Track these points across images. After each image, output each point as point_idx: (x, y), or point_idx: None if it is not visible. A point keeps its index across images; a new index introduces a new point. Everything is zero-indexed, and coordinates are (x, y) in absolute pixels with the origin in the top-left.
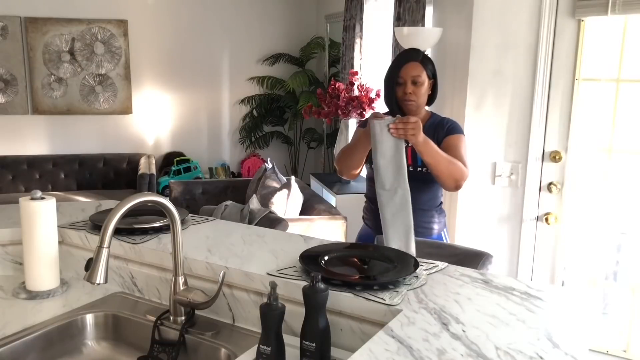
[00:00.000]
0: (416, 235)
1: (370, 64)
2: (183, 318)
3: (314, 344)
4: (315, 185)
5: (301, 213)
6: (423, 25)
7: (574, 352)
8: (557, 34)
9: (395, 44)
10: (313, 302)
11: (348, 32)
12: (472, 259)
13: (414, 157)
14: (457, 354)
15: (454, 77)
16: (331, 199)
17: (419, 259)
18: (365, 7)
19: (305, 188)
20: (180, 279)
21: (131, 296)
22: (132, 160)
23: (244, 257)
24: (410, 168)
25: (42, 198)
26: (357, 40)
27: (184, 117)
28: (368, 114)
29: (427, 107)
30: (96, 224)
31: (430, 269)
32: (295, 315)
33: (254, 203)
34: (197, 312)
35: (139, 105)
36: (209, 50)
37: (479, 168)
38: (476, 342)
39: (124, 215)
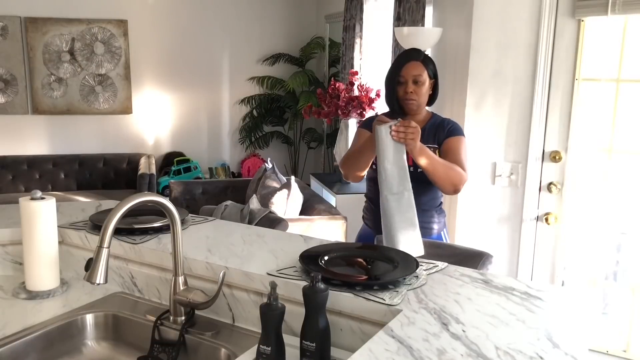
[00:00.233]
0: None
1: (370, 64)
2: (183, 318)
3: (314, 344)
4: (315, 185)
5: (301, 213)
6: (423, 25)
7: (574, 352)
8: (557, 34)
9: (395, 44)
10: (313, 302)
11: (348, 32)
12: (472, 259)
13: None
14: (457, 354)
15: (454, 77)
16: (331, 199)
17: (419, 259)
18: (365, 7)
19: (305, 188)
20: (180, 279)
21: (131, 296)
22: (132, 160)
23: (244, 257)
24: (411, 169)
25: (42, 198)
26: (357, 40)
27: (184, 117)
28: (368, 113)
29: (427, 107)
30: (96, 224)
31: (430, 269)
32: (295, 315)
33: (254, 203)
34: (197, 312)
35: (139, 105)
36: (209, 50)
37: (479, 168)
38: (476, 342)
39: (124, 215)
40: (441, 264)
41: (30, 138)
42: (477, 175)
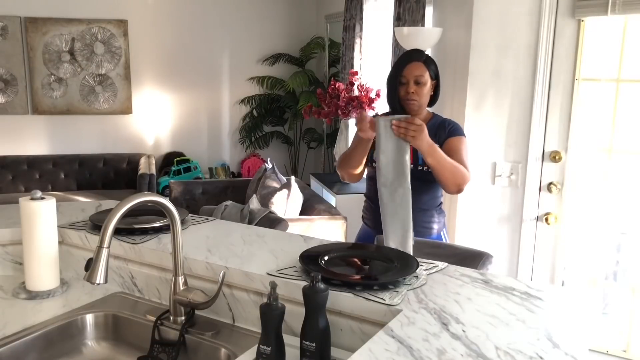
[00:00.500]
0: (416, 235)
1: (370, 64)
2: (183, 318)
3: (314, 344)
4: (315, 185)
5: (301, 213)
6: (423, 25)
7: (574, 352)
8: (557, 34)
9: (395, 44)
10: (313, 302)
11: (348, 32)
12: (472, 259)
13: (414, 156)
14: (457, 354)
15: (454, 77)
16: (331, 199)
17: (419, 259)
18: (365, 7)
19: (305, 188)
20: (180, 279)
21: (131, 296)
22: (132, 160)
23: (244, 257)
24: (411, 167)
25: (42, 198)
26: (357, 40)
27: (184, 117)
28: (368, 114)
29: (428, 108)
30: (96, 224)
31: (430, 269)
32: (295, 315)
33: (254, 203)
34: (197, 312)
35: (139, 105)
36: (209, 50)
37: (479, 168)
38: (476, 342)
39: (124, 215)
40: (441, 264)
41: (30, 138)
42: (477, 175)
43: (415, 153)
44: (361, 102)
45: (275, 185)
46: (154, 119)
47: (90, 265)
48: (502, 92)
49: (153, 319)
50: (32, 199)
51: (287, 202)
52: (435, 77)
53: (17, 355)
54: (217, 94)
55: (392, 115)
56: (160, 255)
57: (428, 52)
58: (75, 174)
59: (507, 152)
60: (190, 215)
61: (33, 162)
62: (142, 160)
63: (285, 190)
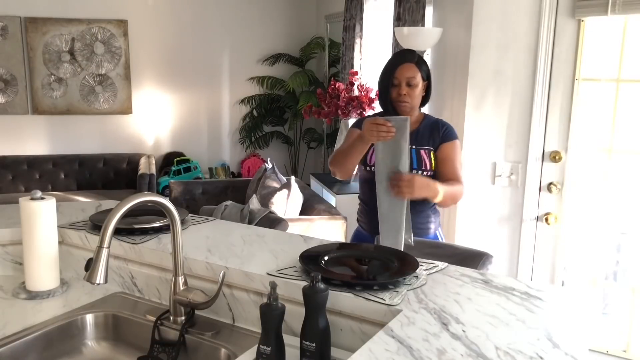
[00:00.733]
0: (414, 235)
1: (370, 64)
2: (183, 318)
3: (314, 344)
4: (315, 185)
5: (301, 213)
6: (423, 25)
7: (574, 352)
8: (557, 34)
9: (395, 44)
10: (313, 302)
11: (348, 32)
12: (472, 259)
13: (410, 159)
14: (457, 354)
15: (454, 77)
16: (331, 199)
17: (419, 259)
18: (365, 7)
19: (305, 188)
20: (180, 279)
21: (131, 296)
22: (132, 160)
23: (244, 257)
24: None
25: (42, 198)
26: (357, 40)
27: (184, 117)
28: (368, 113)
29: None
30: (96, 224)
31: (430, 269)
32: (295, 315)
33: (254, 203)
34: (197, 312)
35: (139, 105)
36: (209, 50)
37: (479, 168)
38: (476, 342)
39: (124, 215)
40: (441, 264)
41: (30, 138)
42: (477, 175)
43: (410, 156)
44: (361, 102)
45: (275, 185)
46: (154, 119)
47: (90, 265)
48: (502, 92)
49: (153, 319)
50: (32, 199)
51: (287, 202)
52: (427, 78)
53: (17, 355)
54: (217, 94)
55: (390, 117)
56: (160, 255)
57: (428, 52)
58: (75, 174)
59: (507, 152)
60: (190, 215)
61: (33, 162)
62: (142, 160)
63: (285, 190)
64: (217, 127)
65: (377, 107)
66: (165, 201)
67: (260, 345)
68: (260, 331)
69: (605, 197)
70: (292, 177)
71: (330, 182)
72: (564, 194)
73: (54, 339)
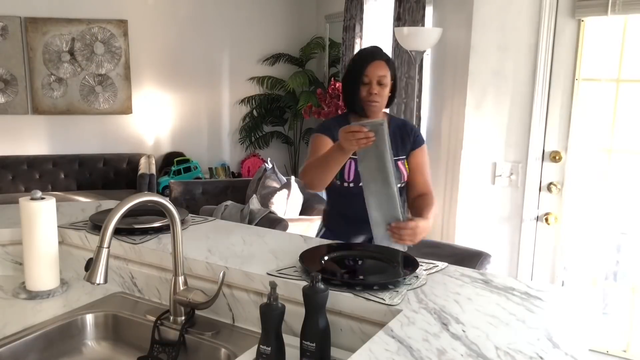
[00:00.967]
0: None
1: None
2: (183, 318)
3: (314, 344)
4: None
5: (301, 213)
6: (423, 25)
7: (574, 352)
8: (557, 34)
9: (395, 44)
10: (313, 302)
11: (348, 32)
12: (470, 258)
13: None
14: (457, 354)
15: (454, 77)
16: None
17: (419, 259)
18: (365, 7)
19: (305, 188)
20: (180, 279)
21: (131, 296)
22: (132, 160)
23: (244, 257)
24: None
25: (42, 198)
26: (357, 40)
27: (184, 117)
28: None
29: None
30: (96, 224)
31: (430, 269)
32: (295, 315)
33: (254, 203)
34: (197, 312)
35: (139, 105)
36: (209, 50)
37: (479, 168)
38: (476, 342)
39: (124, 215)
40: (441, 264)
41: (30, 138)
42: (477, 175)
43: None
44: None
45: (275, 185)
46: (154, 119)
47: (90, 265)
48: (502, 92)
49: (153, 319)
50: (32, 199)
51: (287, 202)
52: (394, 78)
53: (17, 355)
54: (217, 94)
55: (364, 122)
56: (160, 255)
57: (428, 52)
58: (75, 174)
59: (507, 152)
60: (190, 215)
61: (33, 162)
62: (142, 160)
63: (285, 190)
64: (217, 127)
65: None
66: (165, 201)
67: (260, 345)
68: (260, 331)
69: (605, 197)
70: (292, 177)
71: None
72: (564, 194)
73: (54, 339)
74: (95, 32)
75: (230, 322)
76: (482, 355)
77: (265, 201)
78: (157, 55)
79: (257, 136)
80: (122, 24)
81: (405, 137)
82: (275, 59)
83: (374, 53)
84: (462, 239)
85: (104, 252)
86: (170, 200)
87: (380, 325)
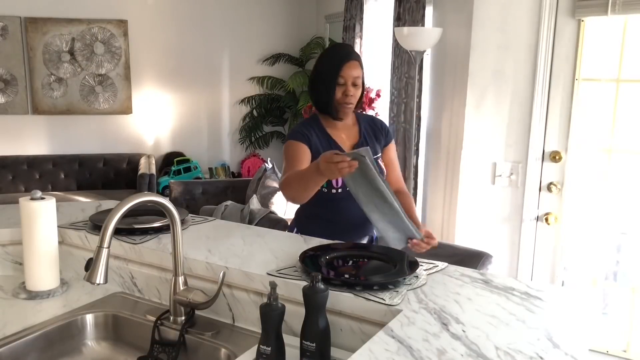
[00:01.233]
0: (361, 239)
1: (370, 64)
2: (183, 318)
3: (314, 344)
4: None
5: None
6: (423, 25)
7: (574, 352)
8: (557, 34)
9: (395, 44)
10: (313, 302)
11: (348, 32)
12: (471, 259)
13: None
14: (457, 354)
15: (454, 77)
16: None
17: (418, 259)
18: (365, 7)
19: None
20: (180, 279)
21: (131, 296)
22: (132, 160)
23: (244, 257)
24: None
25: (42, 198)
26: (357, 40)
27: (184, 117)
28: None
29: None
30: (96, 224)
31: (430, 269)
32: (295, 315)
33: (254, 203)
34: (197, 312)
35: (139, 105)
36: (209, 50)
37: (479, 168)
38: (476, 342)
39: (124, 215)
40: (441, 264)
41: (30, 138)
42: (477, 175)
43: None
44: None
45: (275, 185)
46: (154, 119)
47: (90, 265)
48: (502, 92)
49: (153, 319)
50: (32, 199)
51: (287, 202)
52: (363, 79)
53: (17, 355)
54: (217, 94)
55: (347, 152)
56: (160, 255)
57: (428, 52)
58: (75, 174)
59: (507, 152)
60: (190, 215)
61: (33, 162)
62: (142, 160)
63: None
64: (217, 127)
65: (377, 108)
66: (165, 201)
67: (260, 345)
68: (260, 331)
69: (605, 197)
70: None
71: None
72: (564, 194)
73: (54, 339)
74: (95, 32)
75: (230, 322)
76: (482, 355)
77: (265, 201)
78: (157, 55)
79: (257, 136)
80: (122, 24)
81: (378, 134)
82: (275, 59)
83: (348, 53)
84: (462, 239)
85: (104, 252)
86: (170, 200)
87: (380, 325)
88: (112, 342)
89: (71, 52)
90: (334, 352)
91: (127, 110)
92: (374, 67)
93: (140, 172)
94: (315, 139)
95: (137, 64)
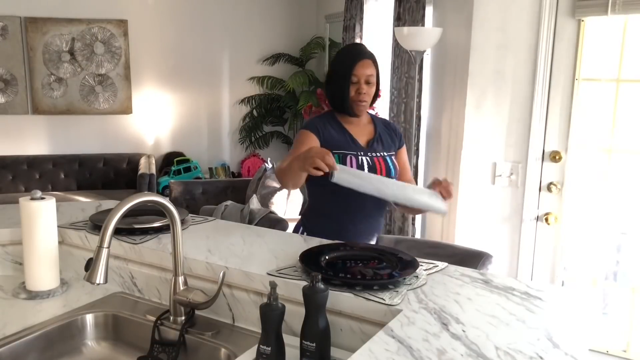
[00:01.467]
0: (368, 239)
1: None
2: (183, 318)
3: (314, 344)
4: None
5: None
6: (423, 25)
7: (574, 352)
8: (557, 34)
9: (395, 44)
10: (313, 302)
11: (348, 32)
12: (471, 259)
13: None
14: (457, 354)
15: (454, 77)
16: None
17: (419, 259)
18: (365, 7)
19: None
20: (180, 279)
21: (131, 296)
22: (132, 160)
23: (244, 257)
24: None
25: (42, 198)
26: (357, 40)
27: (184, 117)
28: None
29: None
30: (96, 224)
31: (430, 269)
32: (295, 315)
33: (254, 203)
34: (197, 312)
35: (139, 105)
36: (209, 50)
37: (479, 168)
38: (476, 342)
39: (124, 215)
40: (441, 264)
41: (30, 138)
42: (477, 175)
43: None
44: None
45: (275, 185)
46: (154, 119)
47: (90, 265)
48: (502, 92)
49: (153, 319)
50: (32, 199)
51: (287, 202)
52: (378, 76)
53: (17, 355)
54: (217, 94)
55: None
56: (160, 255)
57: (428, 52)
58: (75, 174)
59: (507, 152)
60: (190, 215)
61: (33, 162)
62: (142, 160)
63: (285, 190)
64: (217, 127)
65: (377, 107)
66: (165, 201)
67: (260, 345)
68: (260, 331)
69: (605, 197)
70: None
71: None
72: (564, 194)
73: (54, 339)
74: (95, 32)
75: (230, 322)
76: (482, 355)
77: (265, 201)
78: (157, 55)
79: (257, 136)
80: (122, 24)
81: (392, 135)
82: (275, 59)
83: (361, 52)
84: (462, 239)
85: (104, 252)
86: (170, 200)
87: (380, 325)
88: (112, 342)
89: (71, 52)
90: (334, 352)
91: (127, 110)
92: None
93: (140, 172)
94: (330, 132)
95: (137, 64)
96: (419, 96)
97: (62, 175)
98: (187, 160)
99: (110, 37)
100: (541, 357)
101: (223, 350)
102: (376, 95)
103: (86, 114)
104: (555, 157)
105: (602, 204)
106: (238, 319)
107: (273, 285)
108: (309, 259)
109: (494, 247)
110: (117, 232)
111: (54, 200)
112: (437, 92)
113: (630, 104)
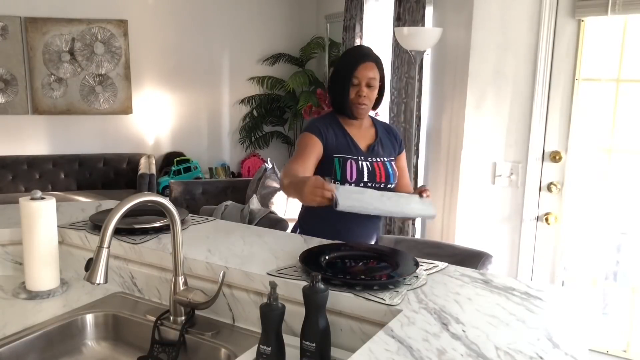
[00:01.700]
0: (366, 241)
1: None
2: (183, 318)
3: (314, 344)
4: None
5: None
6: (423, 25)
7: (574, 352)
8: (557, 34)
9: (395, 44)
10: (313, 302)
11: (348, 32)
12: (471, 259)
13: (360, 174)
14: (457, 354)
15: (454, 77)
16: None
17: (419, 259)
18: (365, 7)
19: None
20: (180, 279)
21: (131, 296)
22: (132, 160)
23: (244, 257)
24: (369, 185)
25: (42, 198)
26: (357, 40)
27: (184, 117)
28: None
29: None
30: (96, 224)
31: (430, 269)
32: (295, 315)
33: (254, 203)
34: (197, 312)
35: (139, 105)
36: (209, 50)
37: (479, 168)
38: (476, 342)
39: (124, 215)
40: (441, 264)
41: (30, 138)
42: (477, 175)
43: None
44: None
45: (275, 185)
46: (154, 119)
47: (90, 265)
48: (502, 92)
49: (153, 319)
50: (32, 199)
51: (287, 202)
52: (382, 80)
53: (17, 355)
54: (217, 94)
55: (351, 188)
56: (160, 255)
57: (428, 52)
58: (75, 174)
59: (507, 152)
60: (190, 215)
61: (33, 162)
62: (142, 160)
63: None
64: (217, 127)
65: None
66: (165, 201)
67: (260, 345)
68: (260, 331)
69: (605, 197)
70: None
71: None
72: (564, 194)
73: (54, 339)
74: (95, 32)
75: (230, 322)
76: (482, 355)
77: (265, 201)
78: (157, 55)
79: (257, 136)
80: (122, 24)
81: (393, 140)
82: (275, 59)
83: (364, 54)
84: (462, 239)
85: (104, 252)
86: (170, 200)
87: (380, 325)
88: (112, 342)
89: (71, 52)
90: (334, 352)
91: (127, 110)
92: None
93: (140, 172)
94: (332, 135)
95: (137, 64)
96: (419, 96)
97: (62, 175)
98: (187, 160)
99: (110, 37)
100: (541, 357)
101: (223, 350)
102: (380, 99)
103: (86, 114)
104: (555, 157)
105: (602, 204)
106: (238, 319)
107: (273, 285)
108: (309, 259)
109: (494, 247)
110: (117, 232)
111: (54, 200)
112: (437, 92)
113: (630, 104)
